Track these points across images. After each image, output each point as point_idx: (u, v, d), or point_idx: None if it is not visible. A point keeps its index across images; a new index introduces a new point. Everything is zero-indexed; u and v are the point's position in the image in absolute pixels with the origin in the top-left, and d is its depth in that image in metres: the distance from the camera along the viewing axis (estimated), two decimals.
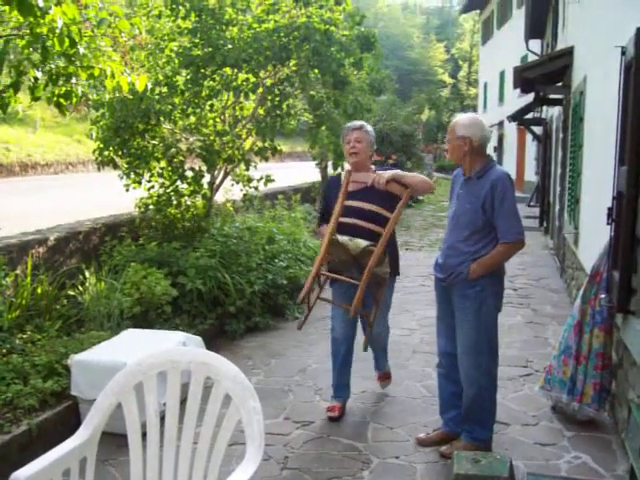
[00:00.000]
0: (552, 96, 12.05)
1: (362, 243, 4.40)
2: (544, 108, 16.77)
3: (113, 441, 3.92)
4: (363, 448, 4.53)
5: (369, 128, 4.94)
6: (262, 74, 7.94)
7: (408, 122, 22.86)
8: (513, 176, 23.54)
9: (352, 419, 5.00)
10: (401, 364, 6.18)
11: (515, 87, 12.11)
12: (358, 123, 4.92)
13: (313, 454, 4.44)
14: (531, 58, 17.68)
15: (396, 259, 5.03)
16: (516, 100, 24.38)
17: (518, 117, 16.31)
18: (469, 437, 4.34)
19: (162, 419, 2.70)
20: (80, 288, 6.23)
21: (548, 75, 10.66)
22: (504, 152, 32.78)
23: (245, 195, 8.83)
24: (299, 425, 4.88)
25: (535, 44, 18.83)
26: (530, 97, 13.33)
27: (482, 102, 39.99)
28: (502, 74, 32.76)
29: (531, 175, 26.19)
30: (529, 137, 22.58)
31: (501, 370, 5.91)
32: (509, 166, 31.29)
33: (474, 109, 45.92)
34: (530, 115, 17.33)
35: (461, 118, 4.27)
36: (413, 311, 8.21)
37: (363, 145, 4.84)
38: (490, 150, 35.40)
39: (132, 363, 2.77)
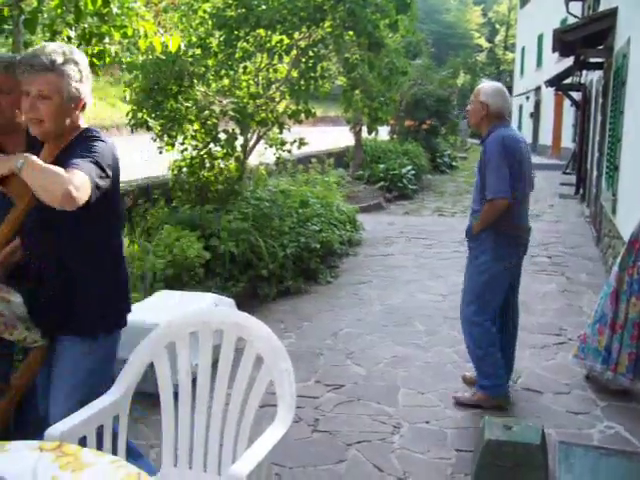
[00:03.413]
0: (592, 60, 11.77)
1: None
2: (583, 73, 16.39)
3: (145, 400, 3.96)
4: (393, 412, 4.53)
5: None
6: (296, 36, 7.84)
7: (443, 87, 22.53)
8: (549, 143, 23.30)
9: (383, 383, 5.00)
10: (432, 330, 6.16)
11: (554, 51, 11.85)
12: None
13: (343, 417, 4.45)
14: (571, 21, 17.26)
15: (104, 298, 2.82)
16: (554, 65, 23.93)
17: (556, 82, 16.01)
18: (477, 385, 4.70)
19: (194, 379, 2.70)
20: None
21: (589, 38, 10.39)
22: (541, 118, 32.23)
23: (278, 158, 8.80)
24: (330, 388, 4.90)
25: (576, 6, 18.35)
26: (569, 62, 13.05)
27: (519, 67, 39.29)
28: (540, 38, 32.09)
29: (568, 142, 25.76)
30: (567, 103, 22.14)
31: (534, 338, 5.92)
32: (545, 133, 30.84)
33: (510, 74, 45.19)
34: (569, 80, 16.97)
35: (486, 84, 4.60)
36: (445, 277, 8.15)
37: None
38: (526, 116, 34.97)
39: (164, 323, 2.78)
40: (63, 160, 2.49)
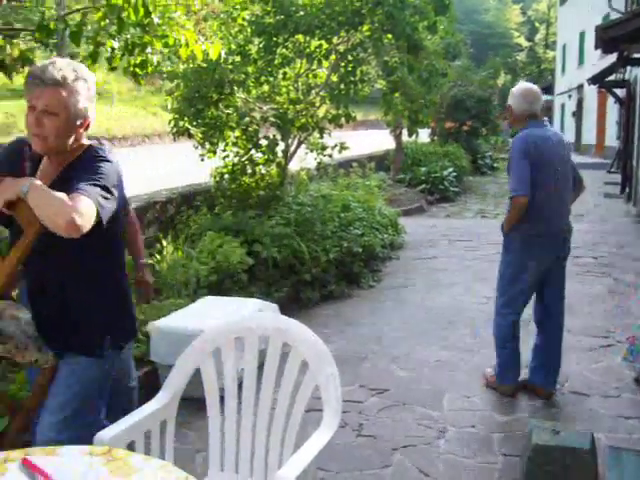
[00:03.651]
0: (637, 55, 11.56)
1: None
2: (627, 69, 16.12)
3: (190, 406, 4.01)
4: (439, 417, 4.50)
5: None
6: (335, 40, 7.86)
7: (483, 87, 22.34)
8: (592, 141, 22.94)
9: (428, 387, 4.97)
10: (475, 333, 6.10)
11: (597, 48, 11.66)
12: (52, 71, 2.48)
13: (388, 422, 4.44)
14: (613, 17, 16.98)
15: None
16: (597, 62, 23.55)
17: (599, 79, 15.76)
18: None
19: (239, 385, 2.72)
20: (158, 257, 6.35)
21: (633, 33, 10.21)
22: (583, 117, 31.75)
23: (319, 163, 8.82)
24: (374, 392, 4.88)
25: (618, 1, 18.06)
26: (612, 58, 12.84)
27: (560, 65, 38.78)
28: (582, 35, 31.64)
29: (612, 140, 25.32)
30: (610, 100, 21.77)
31: (581, 340, 5.83)
32: (589, 131, 30.36)
33: (552, 73, 44.59)
34: (612, 77, 16.70)
35: (514, 87, 4.76)
36: (489, 279, 8.03)
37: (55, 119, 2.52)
38: (568, 115, 34.45)
39: (210, 329, 2.80)
40: (67, 179, 2.46)
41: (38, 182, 2.35)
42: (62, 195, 2.29)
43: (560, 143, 4.58)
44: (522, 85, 4.76)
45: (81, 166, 2.53)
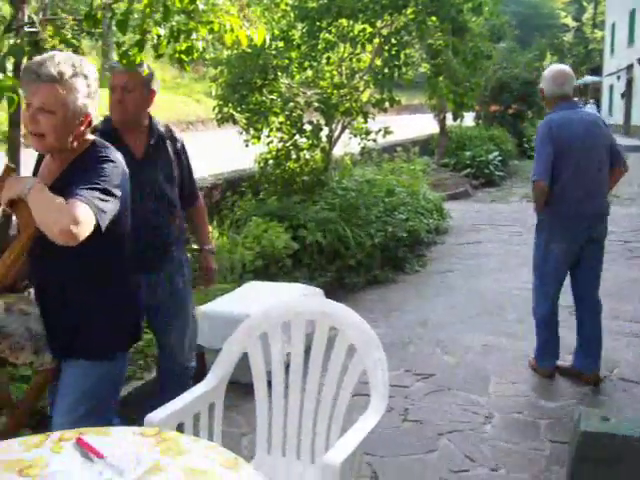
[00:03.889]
0: None
1: None
2: None
3: (236, 389, 4.06)
4: (484, 402, 4.48)
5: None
6: (378, 24, 7.80)
7: (529, 69, 21.96)
8: None
9: (473, 373, 4.95)
10: (523, 318, 6.02)
11: None
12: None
13: (434, 407, 4.43)
14: None
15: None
16: None
17: None
18: None
19: (286, 368, 2.74)
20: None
21: None
22: (633, 98, 31.03)
23: (363, 148, 8.79)
24: (420, 377, 4.88)
25: None
26: None
27: (609, 45, 37.96)
28: (632, 13, 30.89)
29: None
30: None
31: (630, 326, 5.74)
32: (639, 113, 29.68)
33: (600, 53, 43.68)
34: None
35: (545, 70, 4.81)
36: None
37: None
38: (617, 96, 33.75)
39: (257, 313, 2.82)
40: (70, 178, 2.38)
41: (41, 184, 2.28)
42: (60, 200, 2.20)
43: (592, 124, 4.56)
44: (553, 67, 4.82)
45: (82, 166, 2.43)
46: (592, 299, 4.74)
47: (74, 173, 2.40)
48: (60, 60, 2.35)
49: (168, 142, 3.53)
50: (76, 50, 3.82)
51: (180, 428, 2.44)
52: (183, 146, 3.64)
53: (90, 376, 2.58)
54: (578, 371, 4.73)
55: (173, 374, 3.71)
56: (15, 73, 3.70)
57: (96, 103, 2.49)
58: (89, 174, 2.35)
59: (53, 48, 3.60)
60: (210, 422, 2.68)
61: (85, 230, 2.20)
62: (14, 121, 4.04)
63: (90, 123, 2.49)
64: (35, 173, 2.68)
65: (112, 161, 2.46)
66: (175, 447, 1.96)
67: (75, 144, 2.46)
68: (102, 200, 2.30)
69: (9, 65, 3.66)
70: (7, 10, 4.36)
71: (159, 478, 1.79)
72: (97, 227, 2.27)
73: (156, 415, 2.41)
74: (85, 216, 2.20)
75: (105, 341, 2.61)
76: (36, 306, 2.63)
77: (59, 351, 2.60)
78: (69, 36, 3.90)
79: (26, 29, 3.74)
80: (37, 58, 2.41)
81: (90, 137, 2.55)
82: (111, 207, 2.36)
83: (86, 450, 1.91)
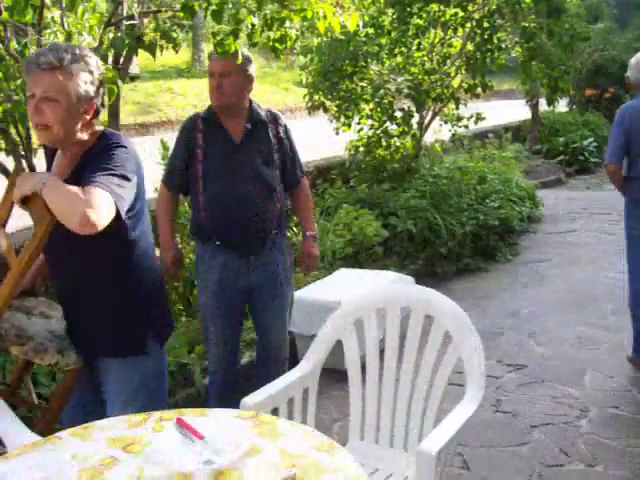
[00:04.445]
0: None
1: None
2: None
3: (328, 376, 4.09)
4: (580, 395, 4.37)
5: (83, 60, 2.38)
6: (470, 7, 7.65)
7: (628, 51, 21.12)
8: None
9: (567, 365, 4.83)
10: (620, 309, 5.83)
11: None
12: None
13: (526, 398, 4.36)
14: None
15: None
16: None
17: None
18: None
19: (380, 355, 2.74)
20: (295, 229, 6.47)
21: None
22: None
23: (454, 135, 8.66)
24: (512, 368, 4.80)
25: None
26: None
27: None
28: None
29: None
30: None
31: None
32: None
33: None
34: None
35: (632, 58, 4.70)
36: None
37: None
38: None
39: (351, 300, 2.83)
40: (83, 172, 2.28)
41: (55, 177, 2.23)
42: (76, 189, 2.12)
43: None
44: (638, 55, 4.73)
45: (94, 157, 2.34)
46: None
47: (86, 166, 2.31)
48: (59, 48, 2.32)
49: (270, 126, 3.58)
50: (175, 42, 3.89)
51: (275, 412, 2.47)
52: (286, 130, 3.68)
53: (132, 373, 2.54)
54: None
55: (269, 358, 3.78)
56: (115, 66, 3.82)
57: (101, 92, 2.42)
58: (102, 162, 2.28)
59: (153, 41, 3.68)
60: (304, 407, 2.71)
61: (105, 216, 2.13)
62: (113, 113, 4.17)
63: (97, 112, 2.42)
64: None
65: (124, 146, 2.38)
66: (272, 430, 2.00)
67: (83, 136, 2.39)
68: (119, 186, 2.23)
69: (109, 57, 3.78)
70: (104, 7, 4.48)
71: (256, 460, 1.82)
72: (117, 214, 2.20)
73: (252, 399, 2.45)
74: (103, 201, 2.13)
75: (134, 337, 2.55)
76: (56, 309, 2.63)
77: (88, 351, 2.55)
78: (167, 28, 3.98)
79: (126, 23, 3.84)
80: (37, 49, 2.38)
81: (99, 128, 2.47)
82: (128, 193, 2.29)
83: (186, 430, 1.96)
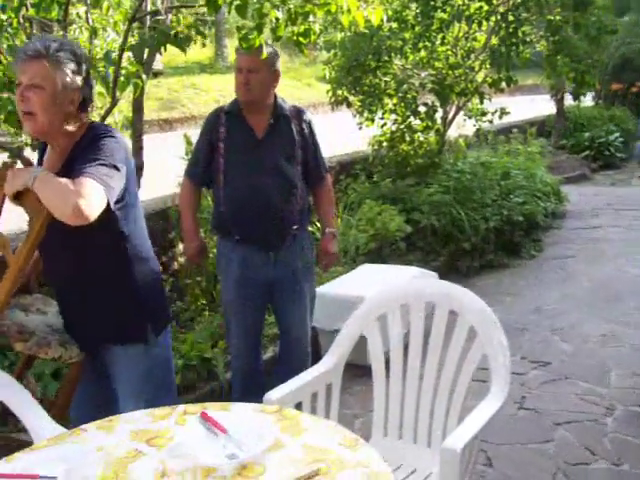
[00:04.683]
0: None
1: None
2: None
3: (350, 371, 4.09)
4: (605, 393, 4.32)
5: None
6: (495, 0, 7.58)
7: None
8: None
9: (592, 362, 4.78)
10: None
11: None
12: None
13: (550, 395, 4.32)
14: None
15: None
16: None
17: None
18: None
19: (404, 351, 2.73)
20: (317, 224, 6.46)
21: None
22: None
23: (478, 130, 8.60)
24: (536, 365, 4.77)
25: None
26: None
27: None
28: None
29: None
30: None
31: None
32: None
33: None
34: None
35: None
36: None
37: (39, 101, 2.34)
38: None
39: (375, 295, 2.82)
40: (73, 164, 2.28)
41: (45, 171, 2.23)
42: (66, 181, 2.14)
43: None
44: None
45: (84, 149, 2.34)
46: None
47: (76, 158, 2.31)
48: (47, 38, 2.36)
49: (293, 122, 3.58)
50: (202, 32, 3.90)
51: (298, 407, 2.46)
52: (310, 126, 3.67)
53: (137, 361, 2.56)
54: None
55: (291, 353, 3.78)
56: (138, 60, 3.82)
57: (89, 85, 2.44)
58: (91, 152, 2.28)
59: (183, 36, 3.68)
60: (327, 402, 2.70)
61: (96, 206, 2.14)
62: (137, 107, 4.18)
63: (85, 104, 2.43)
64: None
65: (113, 137, 2.37)
66: (295, 425, 1.99)
67: (69, 127, 2.38)
68: (107, 175, 2.23)
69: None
70: (128, 3, 4.50)
71: (279, 455, 1.82)
72: (107, 205, 2.22)
73: (275, 393, 2.45)
74: (94, 191, 2.14)
75: (132, 326, 2.56)
76: (51, 304, 2.65)
77: (87, 342, 2.57)
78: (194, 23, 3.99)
79: (149, 18, 3.86)
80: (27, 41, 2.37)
81: (87, 120, 2.47)
82: (117, 182, 2.29)
83: (210, 424, 1.97)
